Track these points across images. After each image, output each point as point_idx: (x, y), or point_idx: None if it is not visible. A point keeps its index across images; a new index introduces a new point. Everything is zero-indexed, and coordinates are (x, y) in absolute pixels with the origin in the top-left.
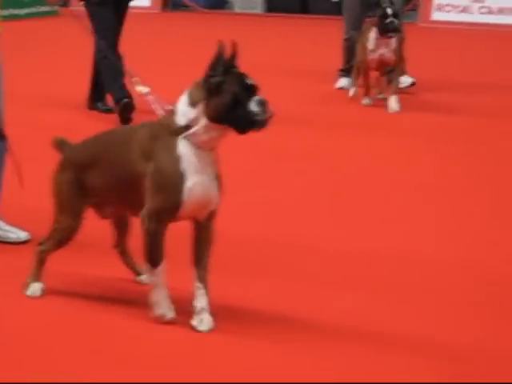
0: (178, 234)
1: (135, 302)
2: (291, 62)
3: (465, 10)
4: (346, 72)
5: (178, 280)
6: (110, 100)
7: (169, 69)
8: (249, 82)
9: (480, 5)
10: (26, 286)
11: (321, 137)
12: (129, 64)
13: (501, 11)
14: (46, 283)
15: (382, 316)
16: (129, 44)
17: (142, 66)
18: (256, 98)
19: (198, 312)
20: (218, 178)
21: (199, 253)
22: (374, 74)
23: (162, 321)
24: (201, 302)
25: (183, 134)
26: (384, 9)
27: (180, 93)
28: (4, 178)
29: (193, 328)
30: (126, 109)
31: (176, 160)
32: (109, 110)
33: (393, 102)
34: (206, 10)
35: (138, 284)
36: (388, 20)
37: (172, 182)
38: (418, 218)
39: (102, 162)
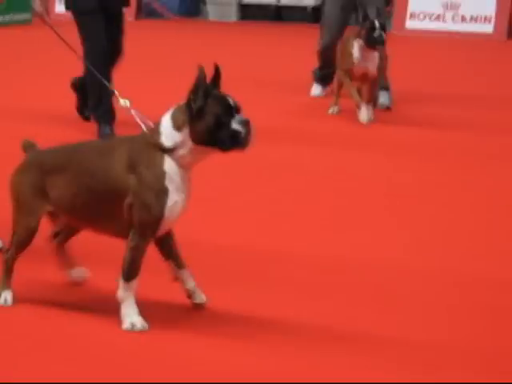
0: None
1: (112, 306)
2: (265, 70)
3: (438, 17)
4: (320, 80)
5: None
6: None
7: (143, 77)
8: (230, 102)
9: (453, 13)
10: None
11: (300, 148)
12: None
13: (474, 19)
14: (17, 291)
15: (370, 321)
16: None
17: (117, 76)
18: (238, 117)
19: (193, 292)
20: (189, 195)
21: (167, 246)
22: (355, 84)
23: (133, 331)
24: (190, 283)
25: (169, 154)
26: (372, 21)
27: (156, 102)
28: None
29: (197, 306)
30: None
31: (161, 176)
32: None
33: (364, 113)
34: (179, 18)
35: (113, 287)
36: (376, 33)
37: (157, 197)
38: (397, 226)
39: (70, 171)
